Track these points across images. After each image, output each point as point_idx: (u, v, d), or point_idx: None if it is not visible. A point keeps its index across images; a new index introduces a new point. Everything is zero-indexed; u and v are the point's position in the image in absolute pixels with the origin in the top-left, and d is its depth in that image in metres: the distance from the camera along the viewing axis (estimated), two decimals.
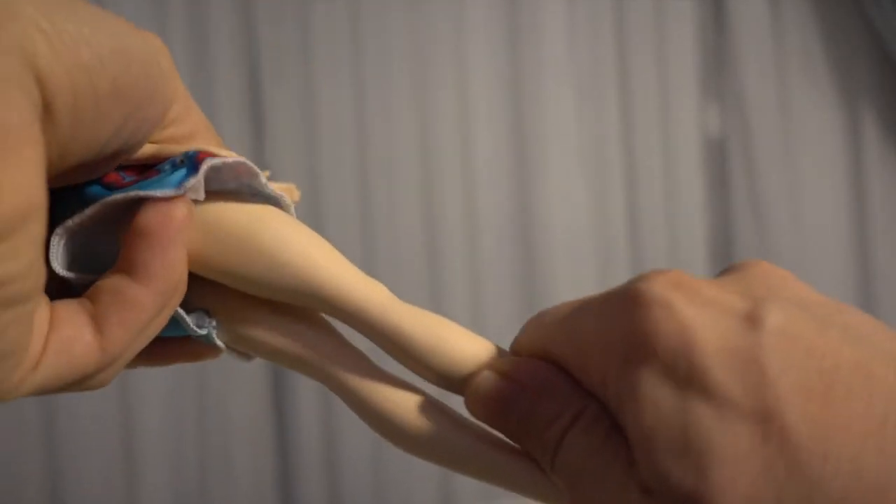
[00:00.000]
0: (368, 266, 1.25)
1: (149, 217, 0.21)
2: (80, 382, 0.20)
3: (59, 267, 0.21)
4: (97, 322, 0.20)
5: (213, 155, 0.22)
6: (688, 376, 0.19)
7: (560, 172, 1.35)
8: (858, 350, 0.19)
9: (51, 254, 0.21)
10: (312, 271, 0.22)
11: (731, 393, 0.18)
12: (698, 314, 0.19)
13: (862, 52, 1.46)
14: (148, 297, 0.20)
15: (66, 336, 0.19)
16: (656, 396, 0.19)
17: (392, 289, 0.24)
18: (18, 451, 1.17)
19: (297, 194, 0.28)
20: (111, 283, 0.20)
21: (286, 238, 0.22)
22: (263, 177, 0.23)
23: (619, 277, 1.38)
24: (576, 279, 1.35)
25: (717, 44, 1.45)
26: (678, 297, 0.20)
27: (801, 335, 0.19)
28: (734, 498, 0.18)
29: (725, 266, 0.23)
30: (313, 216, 1.26)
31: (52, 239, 0.21)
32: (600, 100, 1.38)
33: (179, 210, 0.21)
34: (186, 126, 0.23)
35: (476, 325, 1.31)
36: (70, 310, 0.20)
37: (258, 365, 1.15)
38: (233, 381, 1.25)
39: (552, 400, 0.22)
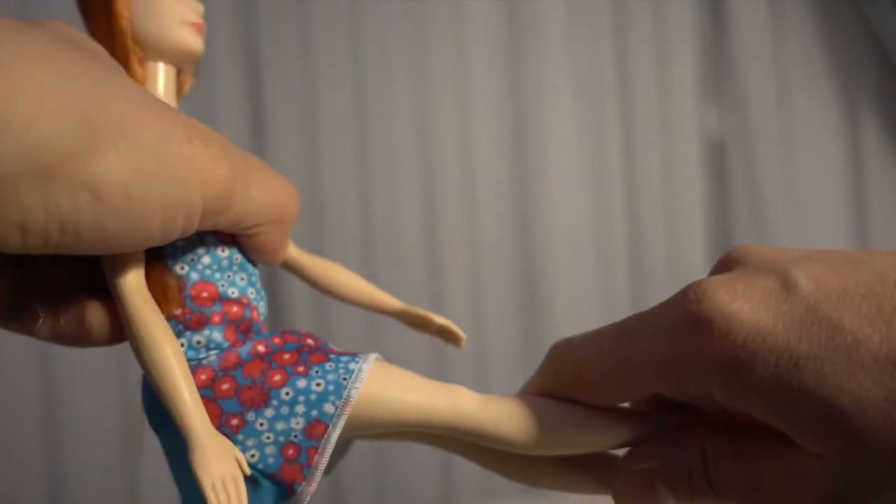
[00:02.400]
0: (368, 267, 1.25)
1: None
2: None
3: None
4: None
5: (299, 478, 0.22)
6: (786, 359, 0.20)
7: (560, 172, 1.35)
8: (880, 266, 0.21)
9: None
10: (404, 414, 0.24)
11: (845, 338, 0.20)
12: (751, 307, 0.21)
13: (862, 52, 1.46)
14: None
15: None
16: (778, 385, 0.21)
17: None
18: (18, 448, 1.17)
19: (462, 338, 0.30)
20: None
21: (378, 394, 0.24)
22: (349, 402, 0.23)
23: (619, 277, 1.38)
24: (575, 278, 1.35)
25: (717, 44, 1.45)
26: (728, 301, 0.21)
27: (830, 280, 0.21)
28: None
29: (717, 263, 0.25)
30: (313, 217, 1.26)
31: None
32: (600, 100, 1.38)
33: None
34: (231, 214, 0.23)
35: (476, 324, 1.31)
36: None
37: None
38: None
39: (671, 451, 0.24)
